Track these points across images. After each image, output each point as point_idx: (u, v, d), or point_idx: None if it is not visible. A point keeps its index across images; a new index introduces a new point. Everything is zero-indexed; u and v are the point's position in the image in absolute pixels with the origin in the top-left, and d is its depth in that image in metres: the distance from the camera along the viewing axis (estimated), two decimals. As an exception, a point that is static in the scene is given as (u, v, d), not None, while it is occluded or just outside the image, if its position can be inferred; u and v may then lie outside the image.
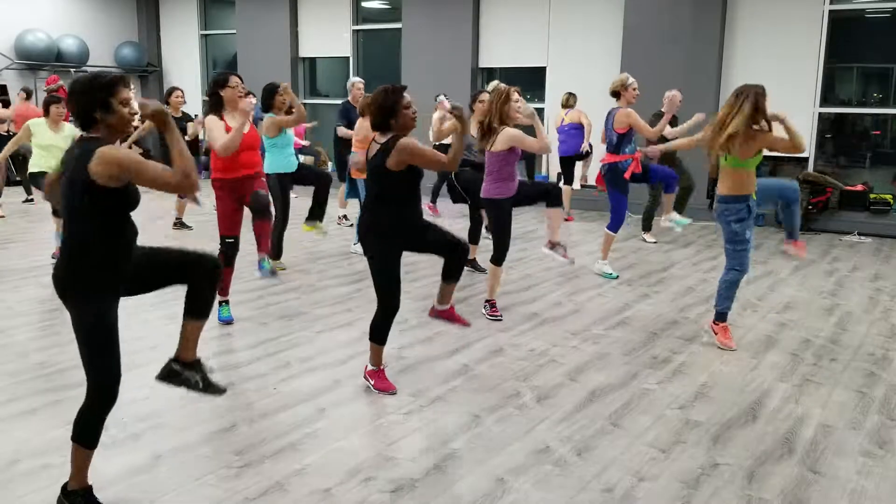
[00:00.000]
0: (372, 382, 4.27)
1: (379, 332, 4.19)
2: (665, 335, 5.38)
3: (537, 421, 3.92)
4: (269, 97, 6.56)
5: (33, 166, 7.21)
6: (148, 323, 5.42)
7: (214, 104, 5.35)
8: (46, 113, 7.22)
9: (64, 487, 3.01)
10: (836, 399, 4.27)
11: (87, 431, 2.93)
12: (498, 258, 5.65)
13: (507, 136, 5.36)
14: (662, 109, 8.45)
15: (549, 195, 5.83)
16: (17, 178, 11.35)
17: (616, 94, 6.86)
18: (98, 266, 2.82)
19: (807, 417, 4.01)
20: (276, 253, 7.08)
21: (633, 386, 4.42)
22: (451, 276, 4.37)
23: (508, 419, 3.94)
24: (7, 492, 3.15)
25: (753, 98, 4.85)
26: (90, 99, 2.77)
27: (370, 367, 4.31)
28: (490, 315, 5.71)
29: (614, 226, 6.96)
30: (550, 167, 11.75)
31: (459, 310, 5.84)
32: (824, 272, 7.44)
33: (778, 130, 4.97)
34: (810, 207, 9.62)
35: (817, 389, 4.41)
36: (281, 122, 6.51)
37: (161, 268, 3.08)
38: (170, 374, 3.21)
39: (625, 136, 6.85)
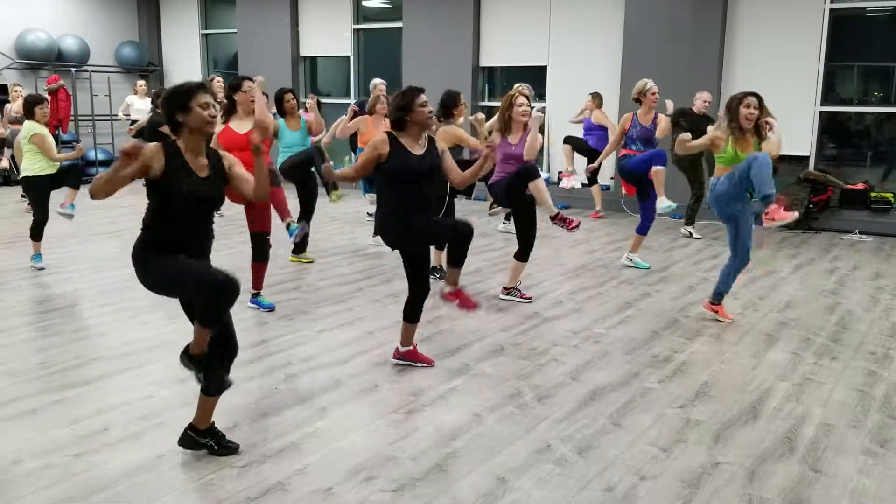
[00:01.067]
0: (409, 360, 4.56)
1: (413, 312, 4.51)
2: (666, 334, 5.38)
3: (538, 420, 3.92)
4: (278, 104, 6.71)
5: (31, 171, 6.87)
6: (148, 324, 5.43)
7: (229, 108, 5.64)
8: (32, 115, 6.84)
9: (187, 349, 3.32)
10: (837, 398, 4.27)
11: (207, 317, 3.21)
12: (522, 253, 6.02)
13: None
14: (692, 108, 8.71)
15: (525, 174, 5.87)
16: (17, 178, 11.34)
17: (637, 100, 7.08)
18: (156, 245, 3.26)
19: (808, 416, 4.01)
20: (301, 246, 7.36)
21: (635, 385, 4.43)
22: (455, 261, 4.59)
23: (509, 418, 3.94)
24: (9, 492, 3.15)
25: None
26: (172, 104, 3.21)
27: (402, 349, 4.58)
28: (522, 298, 6.13)
29: (643, 228, 7.28)
30: (552, 167, 11.74)
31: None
32: (825, 271, 7.44)
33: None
34: (811, 206, 9.62)
35: (818, 388, 4.41)
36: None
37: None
38: (187, 441, 3.49)
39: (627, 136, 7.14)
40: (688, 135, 5.51)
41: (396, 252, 4.54)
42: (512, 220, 9.32)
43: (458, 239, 4.42)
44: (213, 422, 3.51)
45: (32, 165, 6.90)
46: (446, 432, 3.76)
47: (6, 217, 9.61)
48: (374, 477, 3.31)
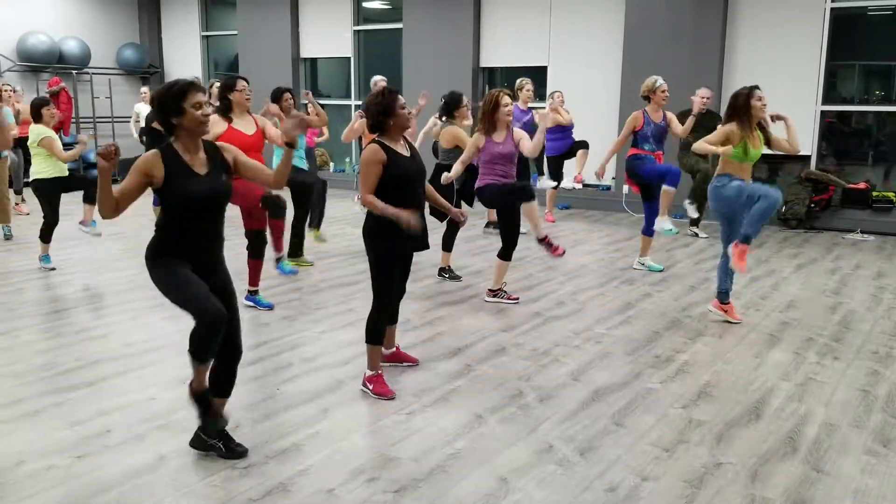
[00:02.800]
0: (371, 388, 4.25)
1: (374, 333, 4.25)
2: (668, 334, 5.38)
3: (540, 421, 3.92)
4: (275, 102, 6.67)
5: (42, 173, 6.88)
6: (150, 325, 5.43)
7: (224, 107, 5.65)
8: (39, 118, 6.90)
9: (190, 385, 3.35)
10: (840, 398, 4.26)
11: (199, 349, 3.21)
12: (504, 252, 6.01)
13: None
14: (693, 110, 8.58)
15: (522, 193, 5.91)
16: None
17: (646, 97, 7.04)
18: (169, 249, 3.26)
19: (810, 416, 4.01)
20: (298, 250, 7.32)
21: (636, 385, 4.42)
22: (391, 320, 4.61)
23: (511, 419, 3.94)
24: (12, 493, 3.16)
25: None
26: (165, 108, 3.15)
27: (369, 373, 4.30)
28: (508, 300, 6.11)
29: (671, 182, 6.97)
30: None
31: (461, 308, 5.87)
32: (827, 270, 7.43)
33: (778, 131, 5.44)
34: (813, 205, 9.61)
35: (821, 388, 4.41)
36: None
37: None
38: (198, 442, 3.52)
39: (637, 135, 7.02)
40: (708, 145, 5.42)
41: (412, 258, 4.51)
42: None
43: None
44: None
45: (43, 169, 6.93)
46: (448, 433, 3.76)
47: (19, 222, 9.61)
48: (375, 478, 3.31)
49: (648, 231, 7.23)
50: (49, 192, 6.97)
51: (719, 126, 5.50)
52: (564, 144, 9.61)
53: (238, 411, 3.97)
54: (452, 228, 6.87)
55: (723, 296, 5.69)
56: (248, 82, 5.75)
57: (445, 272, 6.89)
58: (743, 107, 5.26)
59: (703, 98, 8.51)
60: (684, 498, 3.18)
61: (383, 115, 4.12)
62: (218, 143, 3.44)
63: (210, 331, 3.14)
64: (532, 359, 4.85)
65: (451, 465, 3.43)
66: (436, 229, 6.11)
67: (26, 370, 4.56)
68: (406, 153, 4.21)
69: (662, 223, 7.02)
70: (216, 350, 3.27)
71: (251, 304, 5.87)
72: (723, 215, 5.43)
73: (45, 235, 7.05)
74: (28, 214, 9.72)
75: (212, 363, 3.35)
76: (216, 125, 5.47)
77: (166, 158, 3.17)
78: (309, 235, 7.39)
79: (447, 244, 6.93)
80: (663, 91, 6.95)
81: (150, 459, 3.44)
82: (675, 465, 3.45)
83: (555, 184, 9.86)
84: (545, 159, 9.87)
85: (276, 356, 4.85)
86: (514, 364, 4.76)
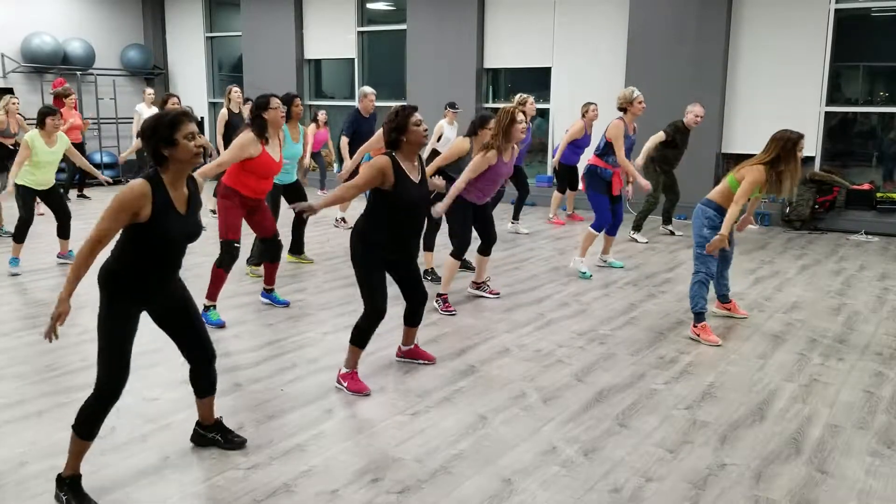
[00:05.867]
0: (345, 385, 4.29)
1: (360, 336, 4.27)
2: (672, 335, 5.37)
3: (544, 421, 3.92)
4: (287, 107, 6.53)
5: (21, 178, 6.91)
6: (153, 327, 5.41)
7: (260, 128, 5.46)
8: (42, 125, 6.90)
9: (58, 476, 3.13)
10: (844, 399, 4.25)
11: (85, 423, 3.06)
12: (458, 251, 5.93)
13: (477, 158, 5.65)
14: (683, 121, 8.54)
15: (486, 242, 6.12)
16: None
17: (623, 109, 6.93)
18: (124, 276, 3.03)
19: (814, 417, 4.00)
20: (298, 247, 7.40)
21: (640, 386, 4.42)
22: (412, 320, 4.63)
23: (515, 420, 3.94)
24: (15, 493, 3.16)
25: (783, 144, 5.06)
26: (156, 138, 2.93)
27: (344, 370, 4.33)
28: (444, 310, 5.85)
29: (597, 225, 6.97)
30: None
31: (465, 309, 5.87)
32: (831, 271, 7.41)
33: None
34: (817, 207, 9.60)
35: (825, 389, 4.40)
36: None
37: (182, 330, 3.33)
38: (197, 437, 3.58)
39: (611, 146, 6.83)
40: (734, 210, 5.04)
41: (412, 262, 4.51)
42: (519, 221, 9.35)
43: (418, 299, 4.53)
44: (220, 417, 3.60)
45: (27, 176, 6.96)
46: (452, 434, 3.76)
47: (11, 221, 9.62)
48: (379, 479, 3.31)
49: (611, 230, 7.22)
50: (25, 195, 7.04)
51: (746, 172, 5.06)
52: (577, 159, 9.61)
53: (242, 412, 3.98)
54: (433, 227, 6.86)
55: (721, 297, 5.74)
56: (280, 100, 5.61)
57: (429, 274, 6.80)
58: (789, 153, 4.98)
59: (696, 117, 8.48)
60: (688, 499, 3.17)
61: (396, 132, 4.13)
62: (197, 178, 3.21)
63: (107, 403, 3.02)
64: (536, 360, 4.85)
65: (454, 466, 3.43)
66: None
67: (30, 371, 4.57)
68: (415, 178, 4.21)
69: (578, 265, 7.03)
70: (195, 324, 3.29)
71: (267, 301, 5.97)
72: (697, 244, 5.26)
73: (19, 235, 7.07)
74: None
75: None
76: (251, 146, 5.37)
77: (155, 194, 2.91)
78: (292, 259, 7.41)
79: (428, 244, 6.88)
80: (640, 103, 6.87)
81: (153, 460, 3.45)
82: (679, 466, 3.45)
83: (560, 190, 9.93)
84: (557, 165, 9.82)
85: (280, 357, 4.85)
86: (517, 365, 4.75)
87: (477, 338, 5.27)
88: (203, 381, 3.45)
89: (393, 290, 4.30)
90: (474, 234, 6.02)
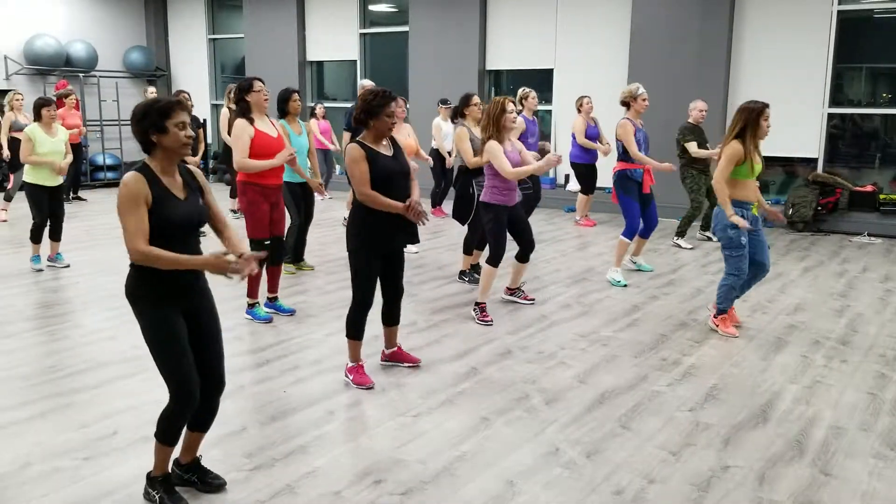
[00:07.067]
0: (351, 378, 4.40)
1: (353, 327, 4.36)
2: (674, 337, 5.37)
3: (546, 423, 3.92)
4: (283, 103, 6.51)
5: (29, 176, 7.01)
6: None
7: (244, 109, 5.53)
8: (38, 117, 6.99)
9: (148, 474, 3.16)
10: (847, 401, 4.25)
11: (168, 431, 3.06)
12: (494, 258, 5.67)
13: (486, 148, 5.47)
14: (689, 121, 8.51)
15: (524, 248, 5.92)
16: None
17: (626, 104, 6.90)
18: (149, 281, 2.93)
19: (817, 419, 4.00)
20: (298, 255, 7.29)
21: (643, 388, 4.41)
22: (390, 319, 4.65)
23: (517, 422, 3.94)
24: (19, 495, 3.17)
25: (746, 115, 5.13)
26: (147, 122, 2.89)
27: (350, 364, 4.46)
28: (480, 320, 5.68)
29: (628, 232, 6.92)
30: (558, 170, 11.71)
31: (467, 311, 5.87)
32: (834, 273, 7.41)
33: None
34: (820, 208, 9.59)
35: (828, 391, 4.40)
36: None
37: (198, 345, 3.11)
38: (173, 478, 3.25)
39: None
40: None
41: (403, 255, 4.52)
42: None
43: (397, 301, 4.56)
44: (200, 455, 3.33)
45: (34, 173, 7.02)
46: (454, 436, 3.76)
47: (14, 222, 9.65)
48: (382, 480, 3.31)
49: (645, 233, 7.23)
50: (36, 195, 7.08)
51: (724, 149, 5.18)
52: (591, 156, 9.62)
53: (245, 414, 3.98)
54: (473, 230, 6.70)
55: (720, 311, 5.63)
56: (263, 82, 5.59)
57: (465, 275, 6.85)
58: (754, 122, 5.08)
59: (701, 112, 8.47)
60: (691, 501, 3.17)
61: (366, 114, 4.15)
62: (191, 169, 3.16)
63: (185, 408, 2.99)
64: (538, 361, 4.85)
65: (457, 468, 3.43)
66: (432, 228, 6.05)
67: (33, 372, 4.57)
68: (388, 152, 4.25)
69: (613, 273, 6.98)
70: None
71: (272, 310, 5.83)
72: (724, 246, 5.28)
73: (35, 236, 7.18)
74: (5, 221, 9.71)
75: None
76: (245, 130, 5.41)
77: (149, 182, 2.88)
78: (293, 268, 7.37)
79: (468, 247, 6.85)
80: (644, 100, 6.85)
81: (156, 461, 3.45)
82: (682, 468, 3.44)
83: (578, 187, 9.90)
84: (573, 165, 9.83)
85: (283, 358, 4.86)
86: (520, 367, 4.75)
87: (479, 339, 5.27)
88: (204, 409, 3.13)
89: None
90: (511, 242, 5.86)
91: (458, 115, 6.76)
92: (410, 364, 4.74)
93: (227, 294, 6.13)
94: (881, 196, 9.57)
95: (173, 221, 2.92)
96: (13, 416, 3.94)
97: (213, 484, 3.25)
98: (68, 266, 7.32)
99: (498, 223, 5.62)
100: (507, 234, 5.71)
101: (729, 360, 4.90)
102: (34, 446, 3.59)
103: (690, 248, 8.57)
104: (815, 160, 9.95)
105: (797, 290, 6.73)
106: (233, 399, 4.14)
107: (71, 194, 11.83)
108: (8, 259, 7.65)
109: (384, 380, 4.50)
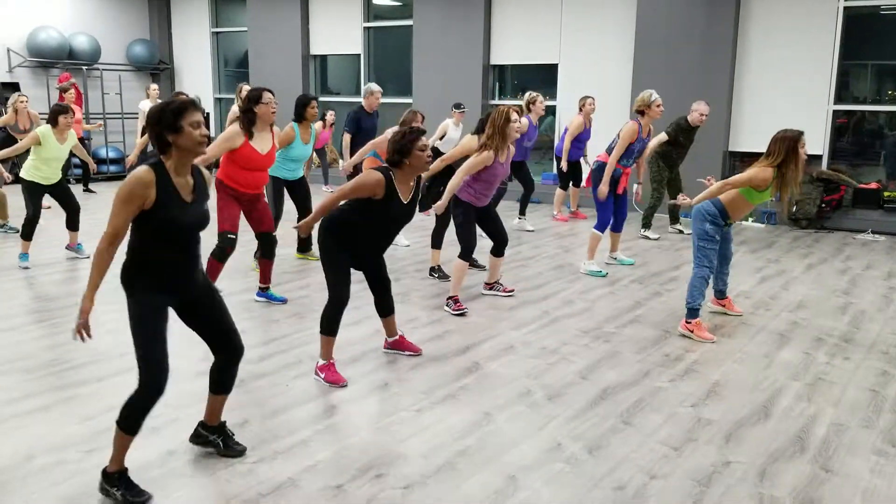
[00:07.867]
0: (322, 376, 4.34)
1: (328, 324, 4.33)
2: (677, 333, 5.36)
3: (548, 419, 3.92)
4: (301, 108, 6.53)
5: (27, 173, 7.01)
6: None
7: (248, 121, 5.50)
8: (55, 123, 6.94)
9: (104, 470, 3.12)
10: (849, 397, 4.25)
11: (129, 419, 3.06)
12: (464, 252, 5.83)
13: (475, 156, 5.60)
14: (687, 118, 8.50)
15: (498, 243, 6.05)
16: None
17: (640, 111, 6.89)
18: (142, 268, 3.05)
19: (819, 416, 4.00)
20: (306, 245, 7.33)
21: (645, 384, 4.42)
22: (384, 310, 4.69)
23: (519, 417, 3.94)
24: (23, 487, 3.17)
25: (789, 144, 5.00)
26: (161, 124, 2.93)
27: (321, 362, 4.39)
28: (455, 310, 5.74)
29: (600, 226, 6.95)
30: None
31: (470, 306, 5.87)
32: (837, 270, 7.40)
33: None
34: (823, 205, 9.57)
35: (830, 388, 4.39)
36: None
37: (210, 324, 3.25)
38: (197, 438, 3.51)
39: (626, 148, 6.86)
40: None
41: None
42: (525, 217, 9.34)
43: (388, 292, 4.61)
44: (224, 420, 3.52)
45: (34, 172, 7.02)
46: (456, 430, 3.76)
47: (18, 217, 9.65)
48: (384, 474, 3.32)
49: (616, 227, 7.27)
50: (31, 189, 7.09)
51: (756, 170, 5.00)
52: (576, 153, 9.63)
53: (247, 407, 3.99)
54: (441, 225, 6.78)
55: (718, 293, 5.80)
56: (273, 94, 5.58)
57: (435, 272, 6.80)
58: (793, 151, 4.92)
59: (701, 115, 8.45)
60: (693, 496, 3.17)
61: (399, 154, 4.16)
62: (202, 168, 3.20)
63: (150, 396, 3.01)
64: (540, 357, 4.85)
65: (459, 463, 3.43)
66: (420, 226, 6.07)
67: (36, 365, 4.58)
68: (405, 198, 4.25)
69: (589, 266, 7.01)
70: (226, 319, 3.24)
71: (262, 299, 5.95)
72: (699, 238, 5.27)
73: (26, 232, 7.11)
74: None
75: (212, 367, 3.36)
76: (235, 138, 5.43)
77: (159, 180, 2.91)
78: (301, 257, 7.40)
79: (436, 242, 6.82)
80: (658, 107, 6.84)
81: (159, 454, 3.46)
82: (683, 464, 3.45)
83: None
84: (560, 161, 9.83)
85: (286, 353, 4.86)
86: (522, 362, 4.75)
87: (482, 335, 5.27)
88: (224, 375, 3.35)
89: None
90: (484, 235, 5.99)
91: (481, 129, 6.55)
92: (412, 353, 4.77)
93: (229, 290, 6.15)
94: (885, 193, 9.55)
95: (174, 222, 2.97)
96: (16, 409, 3.95)
97: (235, 449, 3.45)
98: (89, 257, 7.32)
99: (467, 218, 5.79)
100: (477, 229, 5.87)
101: (731, 357, 4.89)
102: (37, 439, 3.60)
103: (657, 238, 8.74)
104: (819, 157, 9.92)
105: (800, 286, 6.73)
106: (235, 392, 4.13)
107: (81, 187, 11.89)
108: (11, 253, 7.66)
109: (386, 375, 4.51)
